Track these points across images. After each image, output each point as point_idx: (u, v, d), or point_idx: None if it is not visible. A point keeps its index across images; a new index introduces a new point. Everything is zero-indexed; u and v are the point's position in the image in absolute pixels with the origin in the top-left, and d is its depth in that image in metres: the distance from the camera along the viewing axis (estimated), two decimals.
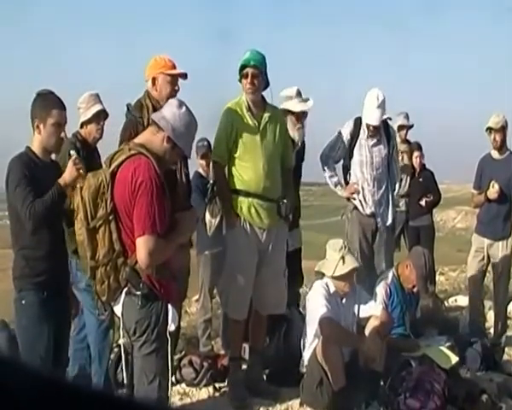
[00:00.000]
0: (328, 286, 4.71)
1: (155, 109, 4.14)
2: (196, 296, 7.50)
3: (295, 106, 5.40)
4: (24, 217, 3.61)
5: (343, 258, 4.68)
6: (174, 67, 4.48)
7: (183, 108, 3.40)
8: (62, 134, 3.80)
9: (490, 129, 6.17)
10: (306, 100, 5.56)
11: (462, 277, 12.29)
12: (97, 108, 4.68)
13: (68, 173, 3.69)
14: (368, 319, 4.82)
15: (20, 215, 3.63)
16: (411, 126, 8.00)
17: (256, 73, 4.64)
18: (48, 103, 3.73)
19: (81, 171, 3.66)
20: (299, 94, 5.53)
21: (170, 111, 3.38)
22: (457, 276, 12.57)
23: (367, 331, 4.75)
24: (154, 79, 4.45)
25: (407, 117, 7.93)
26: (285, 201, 4.74)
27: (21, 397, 0.67)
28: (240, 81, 4.72)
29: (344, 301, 4.80)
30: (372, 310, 4.87)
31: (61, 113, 3.77)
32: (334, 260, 4.70)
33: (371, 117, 5.65)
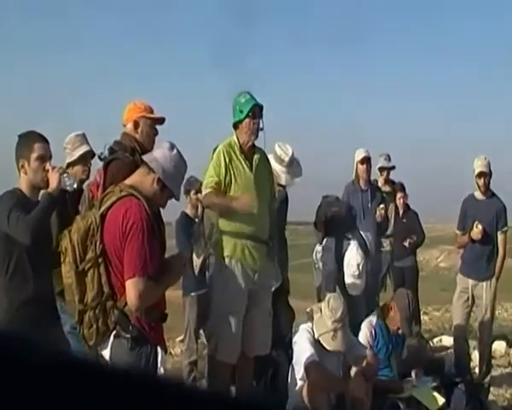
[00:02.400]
0: (313, 331, 4.65)
1: (142, 152, 4.20)
2: (180, 337, 7.46)
3: (281, 176, 5.41)
4: (19, 232, 3.51)
5: (335, 332, 4.51)
6: (153, 111, 4.56)
7: (174, 151, 3.42)
8: (48, 166, 3.68)
9: (479, 174, 6.24)
10: (295, 173, 5.60)
11: (446, 316, 12.30)
12: (83, 149, 4.69)
13: (53, 181, 3.62)
14: (354, 360, 4.78)
15: (15, 232, 3.52)
16: (392, 168, 8.08)
17: (261, 114, 4.72)
18: (29, 140, 3.69)
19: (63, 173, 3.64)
20: (291, 163, 5.54)
21: (161, 153, 3.40)
22: (441, 315, 12.57)
23: (353, 373, 4.72)
24: (135, 123, 4.50)
25: (388, 158, 8.01)
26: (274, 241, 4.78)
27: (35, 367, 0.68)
28: (239, 123, 4.73)
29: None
30: (358, 352, 4.82)
31: (44, 146, 3.71)
32: (326, 325, 4.53)
33: None
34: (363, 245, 5.82)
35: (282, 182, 5.41)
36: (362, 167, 6.71)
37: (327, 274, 5.86)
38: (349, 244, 5.82)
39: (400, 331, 5.32)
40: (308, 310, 4.80)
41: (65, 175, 3.73)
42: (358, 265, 5.67)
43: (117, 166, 4.31)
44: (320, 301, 5.65)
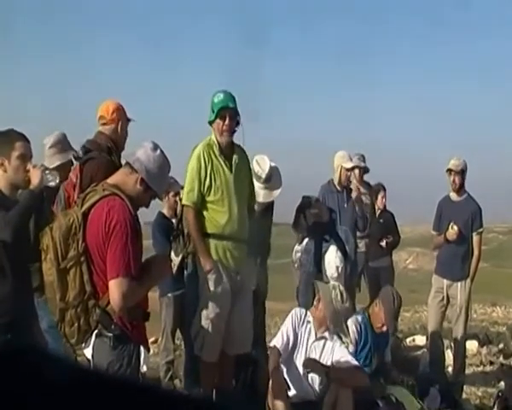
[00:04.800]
0: (305, 315, 4.80)
1: (118, 153, 4.23)
2: (152, 338, 7.43)
3: (259, 193, 5.37)
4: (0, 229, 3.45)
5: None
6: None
7: (158, 151, 3.40)
8: (29, 166, 3.63)
9: (450, 171, 6.35)
10: (274, 187, 5.57)
11: (416, 317, 12.51)
12: (61, 160, 4.66)
13: (34, 177, 3.57)
14: (339, 371, 4.73)
15: None
16: (365, 168, 8.07)
17: (233, 115, 4.69)
18: (10, 138, 3.61)
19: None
20: (268, 179, 5.51)
21: (144, 153, 3.37)
22: (411, 316, 12.76)
23: (337, 383, 4.65)
24: (122, 124, 4.49)
25: (362, 159, 7.98)
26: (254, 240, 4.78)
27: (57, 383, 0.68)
28: (211, 123, 4.75)
29: (317, 336, 4.79)
30: (345, 362, 4.77)
31: (26, 145, 3.64)
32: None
33: None
34: (341, 248, 5.85)
35: (260, 199, 5.37)
36: (347, 174, 6.92)
37: (306, 276, 5.87)
38: (328, 246, 5.84)
39: (384, 328, 5.36)
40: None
41: (47, 172, 3.67)
42: (337, 267, 5.70)
43: (95, 165, 4.27)
44: (299, 302, 5.71)
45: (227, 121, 4.67)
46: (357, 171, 7.70)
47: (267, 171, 5.50)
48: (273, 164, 5.63)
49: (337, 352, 4.75)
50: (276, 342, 4.71)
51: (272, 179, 5.58)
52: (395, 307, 5.34)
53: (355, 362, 4.79)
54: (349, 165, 6.85)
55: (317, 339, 4.77)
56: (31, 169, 3.60)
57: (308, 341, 4.78)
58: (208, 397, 4.68)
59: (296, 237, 6.13)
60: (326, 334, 4.78)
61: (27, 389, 0.66)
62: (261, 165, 5.54)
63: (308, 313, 4.83)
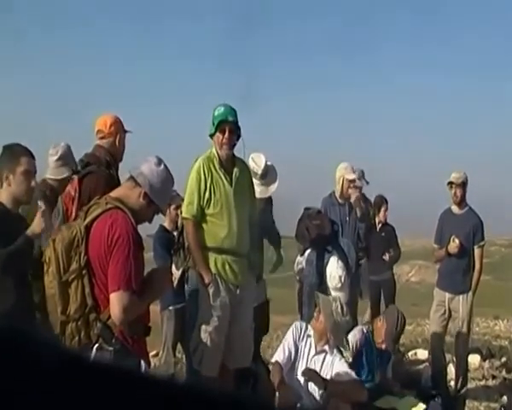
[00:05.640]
0: (306, 328, 4.78)
1: (115, 166, 4.25)
2: (153, 352, 7.41)
3: (256, 189, 5.34)
4: None
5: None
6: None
7: (162, 166, 3.41)
8: (33, 183, 3.69)
9: (451, 184, 6.35)
10: (269, 182, 5.65)
11: (418, 330, 12.42)
12: (67, 173, 4.68)
13: (37, 225, 3.59)
14: (338, 384, 4.70)
15: None
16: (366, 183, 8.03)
17: (233, 128, 4.70)
18: (16, 153, 3.66)
19: (47, 225, 3.59)
20: (264, 175, 5.59)
21: (148, 168, 3.38)
22: (413, 330, 12.67)
23: (336, 397, 4.63)
24: (120, 138, 4.52)
25: (362, 174, 7.92)
26: (256, 255, 4.79)
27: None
28: (212, 135, 4.75)
29: (317, 349, 4.76)
30: (345, 376, 4.74)
31: (31, 160, 3.69)
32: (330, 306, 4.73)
33: None
34: (343, 258, 5.85)
35: (257, 195, 5.41)
36: (348, 185, 6.78)
37: (309, 288, 5.87)
38: (330, 257, 5.84)
39: (384, 346, 5.33)
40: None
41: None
42: (340, 277, 5.69)
43: (94, 179, 4.28)
44: (302, 314, 5.71)
45: (226, 135, 4.67)
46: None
47: (263, 167, 5.58)
48: (269, 162, 5.69)
49: (336, 366, 4.72)
50: (278, 356, 4.70)
51: (268, 175, 5.66)
52: (397, 331, 5.31)
53: (354, 376, 4.77)
54: (352, 176, 6.79)
55: (317, 353, 4.75)
56: (37, 214, 3.61)
57: (308, 355, 4.76)
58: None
59: (298, 249, 6.14)
60: (326, 347, 4.76)
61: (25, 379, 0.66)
62: (257, 162, 5.61)
63: (309, 326, 4.81)
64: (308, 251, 5.98)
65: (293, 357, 4.71)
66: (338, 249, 5.93)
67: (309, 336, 4.79)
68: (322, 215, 6.27)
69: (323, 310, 4.78)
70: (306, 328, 4.81)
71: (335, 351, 4.79)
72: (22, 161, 3.63)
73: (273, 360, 4.75)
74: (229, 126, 4.68)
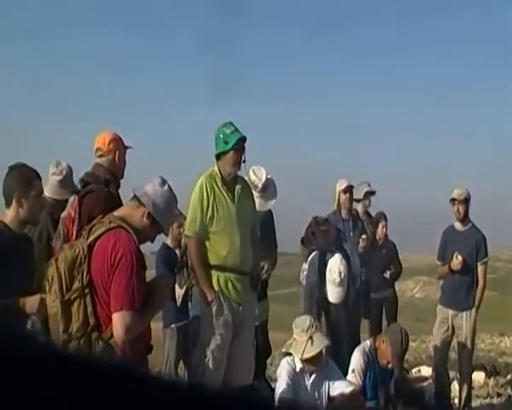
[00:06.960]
0: (294, 363, 4.65)
1: (116, 183, 4.27)
2: (155, 369, 7.40)
3: (255, 202, 5.37)
4: None
5: (311, 338, 4.57)
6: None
7: (166, 186, 3.43)
8: (42, 205, 3.78)
9: (453, 200, 6.35)
10: (269, 196, 5.66)
11: (422, 347, 12.36)
12: (68, 195, 4.71)
13: (31, 306, 3.48)
14: (339, 396, 4.70)
15: None
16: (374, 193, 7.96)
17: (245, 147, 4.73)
18: (28, 176, 3.65)
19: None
20: (264, 188, 5.60)
21: (152, 188, 3.40)
22: (418, 346, 12.61)
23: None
24: (119, 155, 4.54)
25: (369, 185, 7.89)
26: (261, 272, 4.80)
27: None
28: (222, 153, 4.72)
29: (312, 377, 4.71)
30: (343, 388, 4.76)
31: (40, 183, 3.73)
32: (302, 341, 4.58)
33: None
34: (346, 258, 5.89)
35: (256, 208, 5.43)
36: (344, 196, 6.68)
37: (309, 287, 5.88)
38: (332, 255, 5.86)
39: (390, 366, 5.28)
40: (284, 350, 4.80)
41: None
42: (340, 273, 5.69)
43: (94, 198, 4.28)
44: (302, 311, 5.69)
45: (242, 152, 4.70)
46: (370, 198, 7.58)
47: (263, 180, 5.59)
48: (269, 176, 5.70)
49: (333, 378, 4.74)
50: (280, 393, 4.56)
51: (268, 189, 5.67)
52: (402, 350, 5.26)
53: (350, 387, 4.77)
54: (343, 185, 6.72)
55: (312, 378, 4.71)
56: (30, 298, 3.48)
57: (306, 382, 4.70)
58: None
59: (303, 255, 6.15)
60: (319, 367, 4.72)
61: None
62: (257, 175, 5.62)
63: (295, 357, 4.66)
64: (312, 254, 5.99)
65: (292, 392, 4.57)
66: (342, 251, 5.97)
67: (299, 365, 4.65)
68: (329, 223, 6.29)
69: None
70: (293, 359, 4.67)
71: (330, 364, 4.81)
72: (35, 185, 3.65)
73: (279, 396, 4.52)
74: (244, 143, 4.70)
